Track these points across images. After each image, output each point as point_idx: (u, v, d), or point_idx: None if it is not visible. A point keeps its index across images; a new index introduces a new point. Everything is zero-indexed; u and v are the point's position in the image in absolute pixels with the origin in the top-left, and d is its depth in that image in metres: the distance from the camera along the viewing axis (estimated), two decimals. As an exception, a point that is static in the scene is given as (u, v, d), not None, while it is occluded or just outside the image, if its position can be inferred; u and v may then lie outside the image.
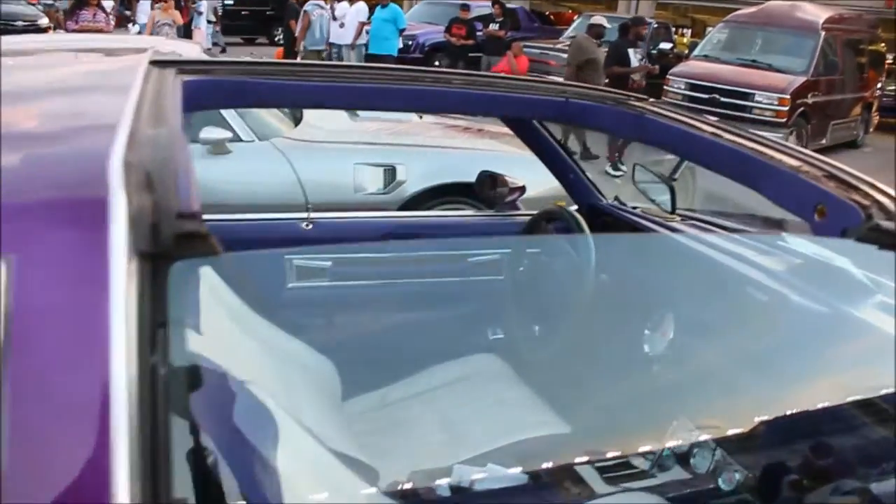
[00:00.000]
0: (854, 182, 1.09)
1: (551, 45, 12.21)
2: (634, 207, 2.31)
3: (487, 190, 2.44)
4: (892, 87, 14.24)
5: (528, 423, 1.84)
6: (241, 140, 3.93)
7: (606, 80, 7.77)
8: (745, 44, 10.36)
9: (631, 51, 8.20)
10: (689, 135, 1.39)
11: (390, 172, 4.05)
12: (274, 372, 1.47)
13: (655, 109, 1.55)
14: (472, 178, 3.41)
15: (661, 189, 2.07)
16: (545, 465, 1.73)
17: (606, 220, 2.25)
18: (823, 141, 9.93)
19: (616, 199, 2.37)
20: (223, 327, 1.30)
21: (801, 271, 1.83)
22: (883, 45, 12.65)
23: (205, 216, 0.70)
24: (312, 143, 4.22)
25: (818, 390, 1.59)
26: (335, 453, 1.33)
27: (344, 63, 9.81)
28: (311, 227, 2.14)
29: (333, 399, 1.97)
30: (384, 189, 4.04)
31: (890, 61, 14.21)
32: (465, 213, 2.37)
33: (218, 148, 3.85)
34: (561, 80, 5.94)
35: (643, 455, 1.79)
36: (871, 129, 11.98)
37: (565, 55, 9.41)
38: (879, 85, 12.60)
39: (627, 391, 2.23)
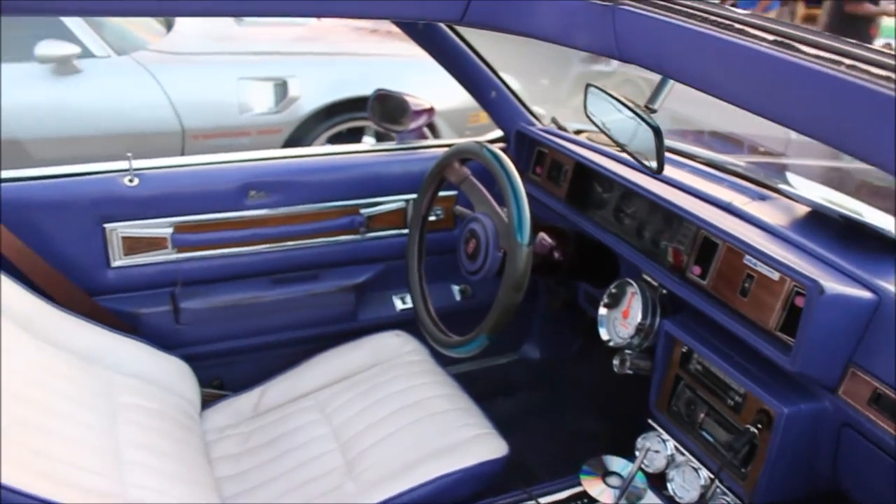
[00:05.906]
0: None
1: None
2: (578, 132, 1.76)
3: (381, 115, 1.86)
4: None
5: (459, 441, 1.34)
6: (92, 55, 3.20)
7: None
8: None
9: None
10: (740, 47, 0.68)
11: (281, 88, 3.40)
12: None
13: None
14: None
15: (636, 130, 1.16)
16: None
17: (541, 151, 1.71)
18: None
19: (553, 121, 1.82)
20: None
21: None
22: None
23: None
24: (185, 55, 3.50)
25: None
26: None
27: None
28: (136, 182, 1.53)
29: (188, 415, 1.44)
30: (275, 108, 3.39)
31: None
32: (354, 148, 1.78)
33: (64, 66, 3.13)
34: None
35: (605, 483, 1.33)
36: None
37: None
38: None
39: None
